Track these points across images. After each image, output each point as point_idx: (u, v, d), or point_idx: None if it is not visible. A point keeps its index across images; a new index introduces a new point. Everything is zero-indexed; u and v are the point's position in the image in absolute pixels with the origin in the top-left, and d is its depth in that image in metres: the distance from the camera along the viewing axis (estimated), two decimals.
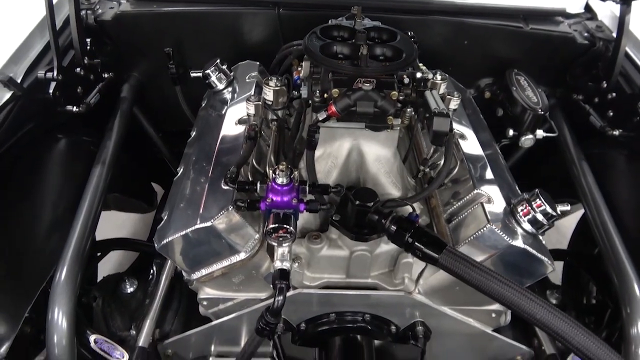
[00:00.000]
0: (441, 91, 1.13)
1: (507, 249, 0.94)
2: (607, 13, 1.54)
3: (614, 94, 1.35)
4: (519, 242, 0.94)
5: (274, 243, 0.83)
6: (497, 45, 1.50)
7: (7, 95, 1.09)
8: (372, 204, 0.93)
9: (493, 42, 1.49)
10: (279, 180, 0.81)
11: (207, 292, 1.06)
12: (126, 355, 1.04)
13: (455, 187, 1.10)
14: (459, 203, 1.04)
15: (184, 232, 0.94)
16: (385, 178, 1.08)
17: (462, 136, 1.19)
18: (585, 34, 1.49)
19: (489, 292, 0.83)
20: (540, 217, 0.96)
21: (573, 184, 1.36)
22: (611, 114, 1.35)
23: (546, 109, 1.37)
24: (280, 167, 0.82)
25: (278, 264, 0.87)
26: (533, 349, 1.17)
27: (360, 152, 1.07)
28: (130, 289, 1.26)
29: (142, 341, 1.09)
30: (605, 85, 1.38)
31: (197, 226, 0.93)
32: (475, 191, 1.02)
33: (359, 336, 1.06)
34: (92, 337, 1.05)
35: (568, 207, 1.00)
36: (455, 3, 1.44)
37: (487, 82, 1.59)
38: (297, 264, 1.00)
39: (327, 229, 1.04)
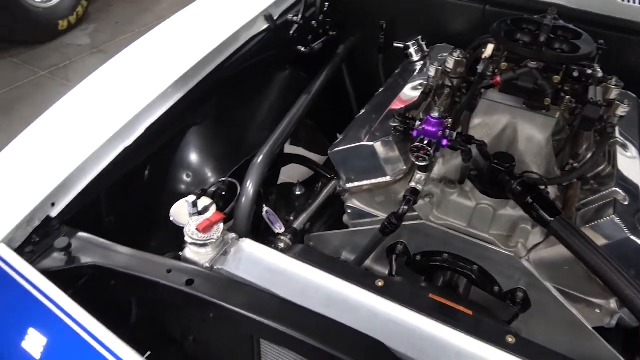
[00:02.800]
0: (612, 96, 1.20)
1: (624, 241, 1.00)
2: None
3: None
4: (637, 239, 0.99)
5: (414, 159, 1.05)
6: None
7: (265, 26, 1.52)
8: (507, 165, 1.09)
9: None
10: (434, 114, 1.03)
11: (354, 203, 1.34)
12: (283, 229, 1.39)
13: (598, 187, 1.17)
14: (594, 197, 1.11)
15: (351, 146, 1.23)
16: (531, 158, 1.21)
17: (624, 146, 1.23)
18: None
19: (590, 264, 0.93)
20: None
21: None
22: None
23: None
24: (437, 108, 1.04)
25: (412, 184, 1.10)
26: None
27: (514, 130, 1.22)
28: (298, 192, 1.61)
29: (296, 225, 1.42)
30: None
31: (362, 143, 1.21)
32: (613, 189, 1.08)
33: (462, 279, 1.21)
34: (265, 208, 1.42)
35: None
36: None
37: None
38: (428, 200, 1.21)
39: (464, 183, 1.22)
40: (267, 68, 1.62)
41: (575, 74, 1.12)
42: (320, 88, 1.68)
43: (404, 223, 1.23)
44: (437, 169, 1.25)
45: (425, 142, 1.02)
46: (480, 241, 1.18)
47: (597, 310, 1.13)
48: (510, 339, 0.82)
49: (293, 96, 1.63)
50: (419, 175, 1.10)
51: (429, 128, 1.03)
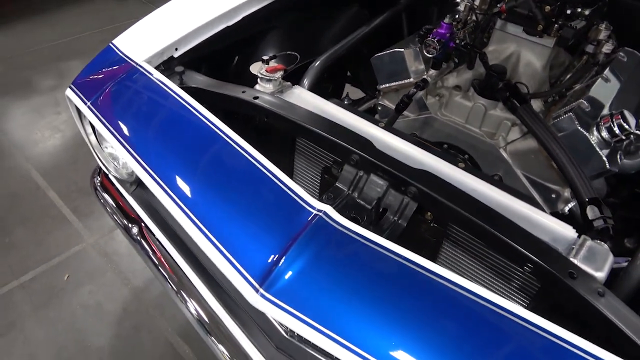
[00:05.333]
0: (600, 37, 1.50)
1: (574, 132, 1.31)
2: None
3: None
4: (584, 131, 1.30)
5: (425, 51, 1.42)
6: None
7: None
8: (500, 72, 1.43)
9: None
10: (445, 20, 1.40)
11: (384, 102, 1.73)
12: None
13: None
14: (566, 107, 1.42)
15: (386, 52, 1.62)
16: (527, 79, 1.54)
17: (607, 79, 1.51)
18: None
19: (542, 143, 1.26)
20: (615, 128, 1.29)
21: None
22: None
23: None
24: (449, 16, 1.40)
25: (424, 76, 1.47)
26: None
27: (518, 57, 1.55)
28: (346, 102, 2.03)
29: None
30: None
31: (395, 50, 1.59)
32: (581, 100, 1.39)
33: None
34: None
35: None
36: None
37: None
38: (438, 98, 1.58)
39: (468, 90, 1.57)
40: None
41: (568, 11, 1.43)
42: (379, 25, 2.07)
43: (418, 116, 1.62)
44: (451, 80, 1.61)
45: (436, 40, 1.40)
46: (471, 133, 1.53)
47: (553, 196, 1.44)
48: (462, 165, 1.19)
49: (354, 28, 2.04)
50: (431, 72, 1.48)
51: (440, 30, 1.40)
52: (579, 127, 1.31)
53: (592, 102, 1.39)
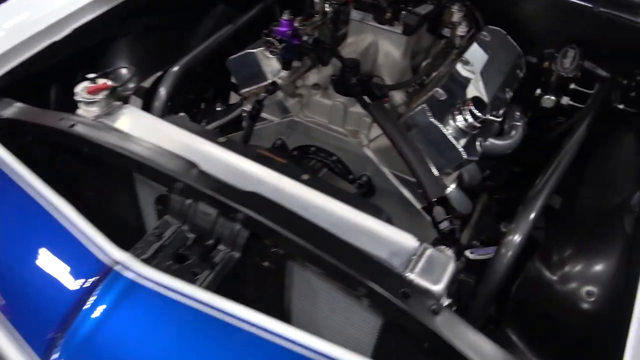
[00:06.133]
0: (454, 19, 1.44)
1: (427, 125, 1.24)
2: None
3: None
4: (438, 123, 1.24)
5: (266, 53, 1.31)
6: (564, 19, 1.65)
7: None
8: (353, 66, 1.34)
9: (560, 15, 1.65)
10: (284, 17, 1.28)
11: (247, 107, 1.60)
12: None
13: None
14: (423, 97, 1.36)
15: (239, 54, 1.49)
16: (387, 71, 1.46)
17: (466, 62, 1.46)
18: None
19: (389, 137, 1.19)
20: (468, 115, 1.24)
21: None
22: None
23: (574, 74, 1.51)
24: (287, 12, 1.29)
25: (275, 79, 1.36)
26: None
27: (376, 48, 1.47)
28: (219, 108, 1.89)
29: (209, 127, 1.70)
30: None
31: (247, 51, 1.47)
32: (436, 89, 1.32)
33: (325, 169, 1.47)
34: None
35: (499, 120, 1.25)
36: None
37: (549, 52, 1.73)
38: (298, 99, 1.47)
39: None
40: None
41: None
42: (248, 21, 1.93)
43: (282, 120, 1.51)
44: (312, 78, 1.51)
45: (277, 38, 1.28)
46: (335, 134, 1.44)
47: (421, 191, 1.38)
48: (305, 177, 1.09)
49: (219, 28, 1.89)
50: (282, 73, 1.37)
51: (281, 28, 1.29)
52: (432, 120, 1.24)
53: (448, 89, 1.33)
